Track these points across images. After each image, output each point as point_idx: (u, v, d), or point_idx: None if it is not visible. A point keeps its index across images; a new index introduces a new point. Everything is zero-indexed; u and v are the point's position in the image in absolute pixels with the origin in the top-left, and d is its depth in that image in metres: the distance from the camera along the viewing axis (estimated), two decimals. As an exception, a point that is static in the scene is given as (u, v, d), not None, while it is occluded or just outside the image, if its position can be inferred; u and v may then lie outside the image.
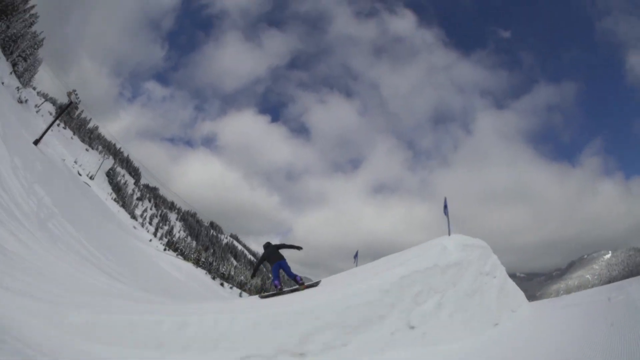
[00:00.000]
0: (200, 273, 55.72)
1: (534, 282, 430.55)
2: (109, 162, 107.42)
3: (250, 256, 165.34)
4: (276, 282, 8.05)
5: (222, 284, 60.71)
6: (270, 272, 8.72)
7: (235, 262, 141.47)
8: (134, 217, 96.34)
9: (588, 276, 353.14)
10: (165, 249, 65.79)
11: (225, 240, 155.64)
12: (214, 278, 62.96)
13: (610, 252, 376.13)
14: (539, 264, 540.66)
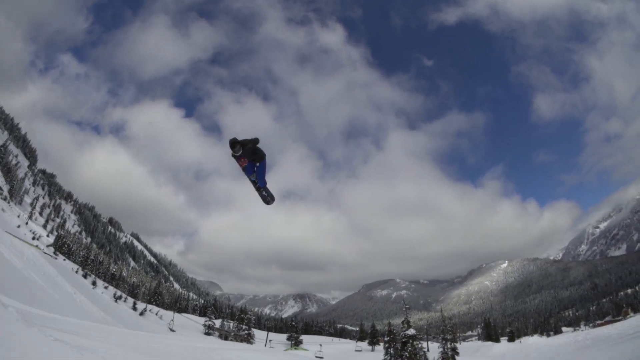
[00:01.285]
0: (57, 264, 46.41)
1: (437, 288, 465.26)
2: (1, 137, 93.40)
3: (150, 257, 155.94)
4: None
5: (94, 283, 55.37)
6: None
7: (133, 263, 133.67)
8: (20, 203, 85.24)
9: (487, 282, 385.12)
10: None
11: (124, 239, 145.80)
12: (85, 276, 56.49)
13: (506, 261, 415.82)
14: (442, 272, 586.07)
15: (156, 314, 56.70)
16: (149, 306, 59.70)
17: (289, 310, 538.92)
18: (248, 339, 55.41)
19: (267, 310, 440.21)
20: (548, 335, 72.49)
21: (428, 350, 40.44)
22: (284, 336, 68.88)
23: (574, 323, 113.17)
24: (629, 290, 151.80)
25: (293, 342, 63.44)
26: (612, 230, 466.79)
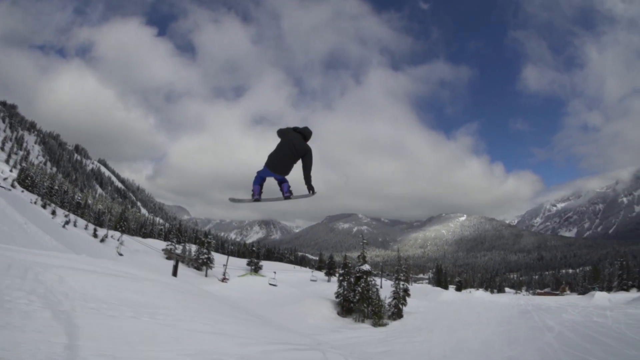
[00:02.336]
0: (10, 196, 45.34)
1: (396, 229, 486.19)
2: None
3: (118, 183, 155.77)
4: (256, 187, 5.75)
5: (53, 212, 53.33)
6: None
7: (100, 190, 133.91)
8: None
9: (444, 231, 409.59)
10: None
11: (91, 166, 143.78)
12: (45, 206, 54.47)
13: (465, 215, 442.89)
14: (403, 214, 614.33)
15: (117, 240, 55.42)
16: (112, 232, 58.82)
17: (254, 236, 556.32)
18: (208, 263, 54.99)
19: (232, 236, 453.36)
20: (492, 292, 77.07)
21: (381, 287, 41.13)
22: (245, 261, 69.52)
23: (516, 286, 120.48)
24: (570, 270, 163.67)
25: (253, 268, 63.93)
26: (568, 213, 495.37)
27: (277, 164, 5.37)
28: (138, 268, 13.41)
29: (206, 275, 52.71)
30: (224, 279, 46.28)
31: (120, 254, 48.68)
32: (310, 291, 44.58)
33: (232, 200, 6.52)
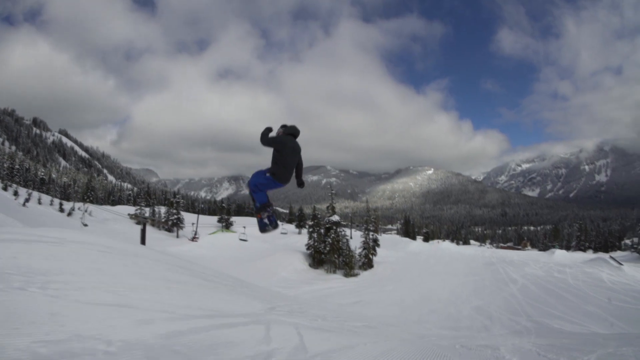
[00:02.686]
0: None
1: (364, 180, 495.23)
2: None
3: (82, 153, 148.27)
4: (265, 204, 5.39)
5: (15, 193, 49.61)
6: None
7: (63, 162, 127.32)
8: None
9: (411, 184, 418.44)
10: None
11: (51, 139, 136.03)
12: (6, 188, 50.26)
13: (432, 169, 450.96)
14: (372, 166, 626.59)
15: (85, 211, 52.35)
16: (79, 204, 55.53)
17: (224, 192, 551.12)
18: (178, 224, 52.94)
19: (202, 194, 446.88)
20: (458, 244, 80.00)
21: (351, 237, 40.91)
22: (215, 218, 68.11)
23: (480, 239, 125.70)
24: (532, 228, 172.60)
25: (224, 225, 62.70)
26: (532, 174, 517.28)
27: (288, 176, 5.21)
28: (93, 235, 11.62)
29: (177, 237, 51.28)
30: (194, 238, 44.95)
31: (85, 224, 46.04)
32: (281, 244, 43.97)
33: (264, 231, 5.74)
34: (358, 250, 37.43)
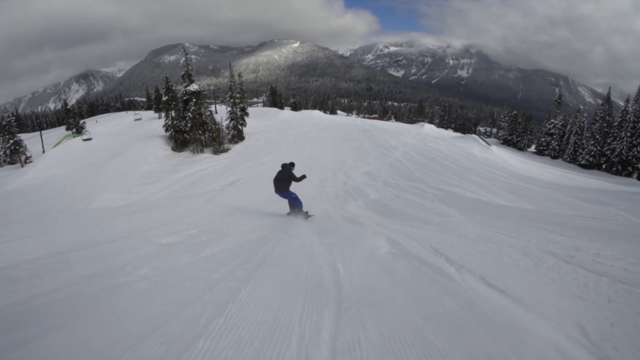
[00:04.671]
0: None
1: (226, 55, 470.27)
2: None
3: None
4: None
5: None
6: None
7: None
8: None
9: (276, 57, 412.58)
10: None
11: None
12: None
13: (298, 42, 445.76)
14: (234, 40, 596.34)
15: None
16: None
17: (74, 96, 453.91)
18: (18, 150, 39.22)
19: (51, 105, 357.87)
20: (326, 113, 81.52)
21: (216, 112, 36.57)
22: (64, 128, 56.22)
23: (347, 110, 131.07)
24: (395, 104, 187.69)
25: (74, 131, 51.15)
26: (398, 57, 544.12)
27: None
28: None
29: (22, 166, 39.16)
30: (26, 161, 35.28)
31: None
32: (140, 134, 37.68)
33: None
34: (225, 122, 33.76)
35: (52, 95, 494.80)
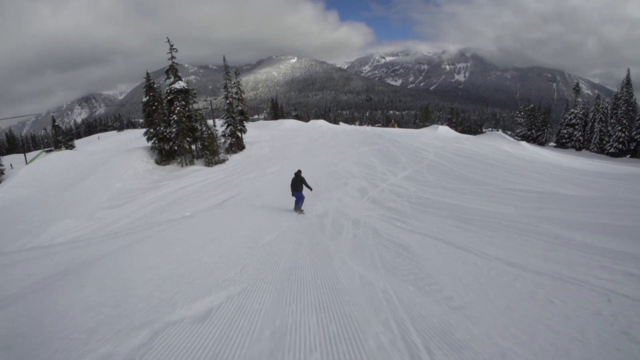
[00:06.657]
0: None
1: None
2: None
3: None
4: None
5: None
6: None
7: None
8: None
9: (275, 73, 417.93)
10: None
11: None
12: None
13: (296, 57, 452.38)
14: (232, 59, 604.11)
15: None
16: None
17: (77, 118, 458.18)
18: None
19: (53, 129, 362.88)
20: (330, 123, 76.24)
21: (215, 126, 30.98)
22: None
23: (350, 121, 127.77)
24: (397, 112, 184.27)
25: (60, 145, 52.68)
26: (395, 66, 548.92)
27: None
28: None
29: None
30: None
31: None
32: (125, 148, 33.34)
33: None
34: (221, 129, 27.99)
35: (56, 119, 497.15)
